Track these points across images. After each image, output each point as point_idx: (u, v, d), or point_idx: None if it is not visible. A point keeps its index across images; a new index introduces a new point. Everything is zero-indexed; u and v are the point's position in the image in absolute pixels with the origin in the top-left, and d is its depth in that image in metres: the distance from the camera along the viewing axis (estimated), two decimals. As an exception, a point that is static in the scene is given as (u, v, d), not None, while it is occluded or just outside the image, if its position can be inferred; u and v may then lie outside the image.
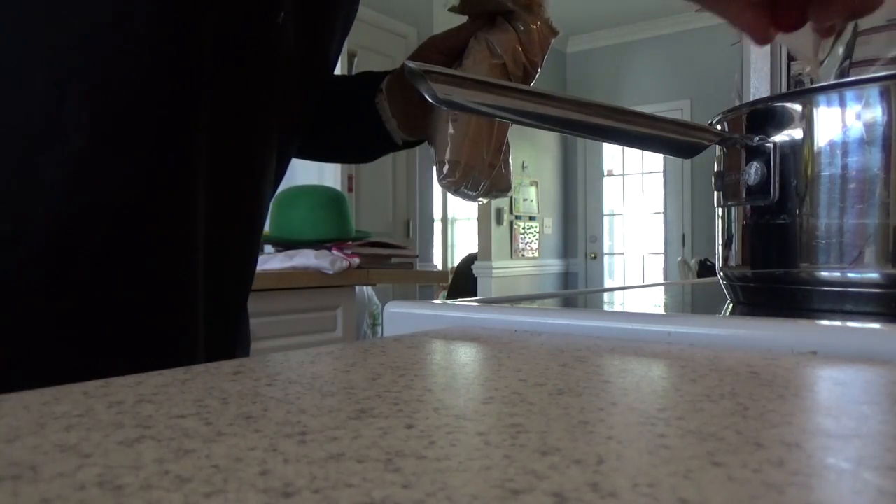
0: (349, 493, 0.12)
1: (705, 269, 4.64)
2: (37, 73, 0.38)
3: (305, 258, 1.75)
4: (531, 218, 6.06)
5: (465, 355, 0.31)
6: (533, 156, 6.03)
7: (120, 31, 0.39)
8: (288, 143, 0.55)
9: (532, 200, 6.05)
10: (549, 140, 6.18)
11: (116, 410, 0.19)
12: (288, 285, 1.69)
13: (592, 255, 6.51)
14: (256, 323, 0.68)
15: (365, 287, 2.18)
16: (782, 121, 0.42)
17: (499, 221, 5.68)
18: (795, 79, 2.12)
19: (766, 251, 0.45)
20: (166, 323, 0.44)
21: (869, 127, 0.38)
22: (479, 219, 5.71)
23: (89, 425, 0.17)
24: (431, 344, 0.33)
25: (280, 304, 1.68)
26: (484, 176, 0.57)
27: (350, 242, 1.92)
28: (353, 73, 0.70)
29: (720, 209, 0.49)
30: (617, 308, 0.54)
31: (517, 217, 5.88)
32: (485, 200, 0.61)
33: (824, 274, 0.40)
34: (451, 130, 0.56)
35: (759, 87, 2.15)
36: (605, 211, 6.47)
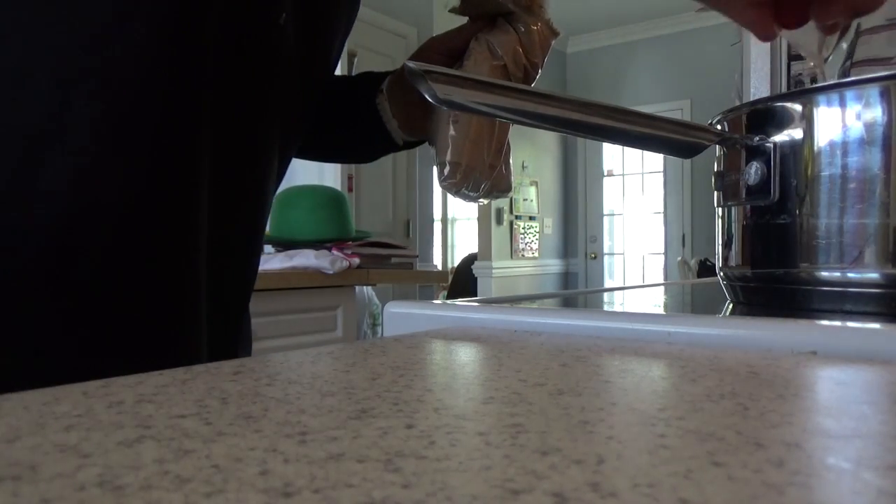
0: (349, 493, 0.12)
1: (705, 269, 4.64)
2: (39, 74, 0.38)
3: (305, 258, 1.75)
4: (531, 218, 6.06)
5: (466, 355, 0.31)
6: (533, 156, 6.03)
7: (122, 32, 0.39)
8: (289, 143, 0.55)
9: (532, 200, 6.05)
10: (549, 140, 6.17)
11: (116, 410, 0.19)
12: (288, 285, 1.69)
13: (592, 255, 6.51)
14: (256, 323, 0.68)
15: (365, 287, 2.18)
16: (782, 121, 0.42)
17: (499, 221, 5.68)
18: (795, 79, 2.12)
19: (766, 251, 0.45)
20: (168, 323, 0.44)
21: (869, 127, 0.38)
22: (479, 219, 5.71)
23: (89, 425, 0.17)
24: (431, 344, 0.33)
25: (280, 304, 1.68)
26: (485, 177, 0.57)
27: (350, 242, 1.92)
28: (353, 73, 0.69)
29: (720, 209, 0.49)
30: (617, 308, 0.54)
31: (517, 217, 5.88)
32: (485, 201, 0.61)
33: (824, 274, 0.40)
34: (451, 132, 0.56)
35: (759, 87, 2.15)
36: (605, 211, 6.47)
